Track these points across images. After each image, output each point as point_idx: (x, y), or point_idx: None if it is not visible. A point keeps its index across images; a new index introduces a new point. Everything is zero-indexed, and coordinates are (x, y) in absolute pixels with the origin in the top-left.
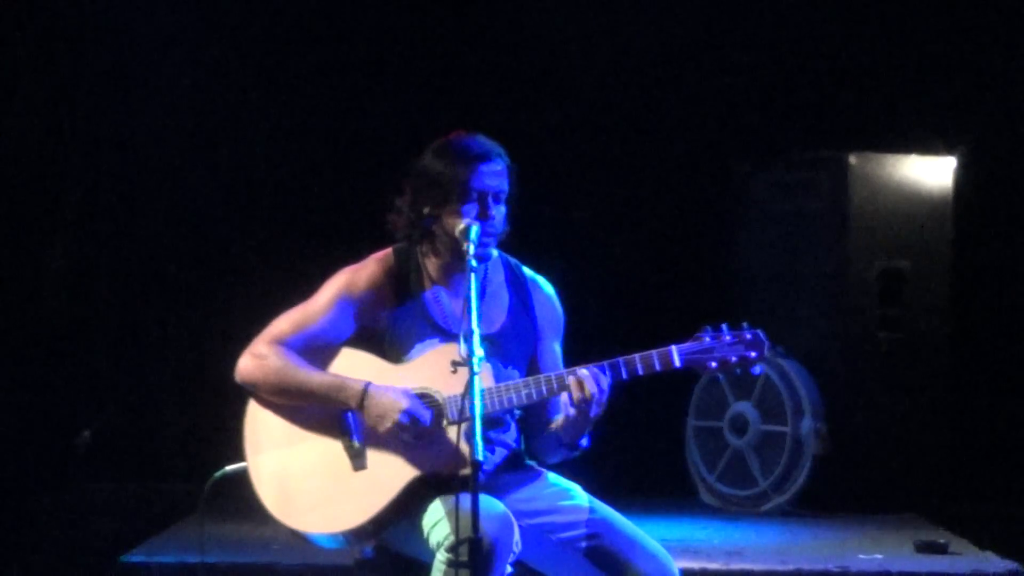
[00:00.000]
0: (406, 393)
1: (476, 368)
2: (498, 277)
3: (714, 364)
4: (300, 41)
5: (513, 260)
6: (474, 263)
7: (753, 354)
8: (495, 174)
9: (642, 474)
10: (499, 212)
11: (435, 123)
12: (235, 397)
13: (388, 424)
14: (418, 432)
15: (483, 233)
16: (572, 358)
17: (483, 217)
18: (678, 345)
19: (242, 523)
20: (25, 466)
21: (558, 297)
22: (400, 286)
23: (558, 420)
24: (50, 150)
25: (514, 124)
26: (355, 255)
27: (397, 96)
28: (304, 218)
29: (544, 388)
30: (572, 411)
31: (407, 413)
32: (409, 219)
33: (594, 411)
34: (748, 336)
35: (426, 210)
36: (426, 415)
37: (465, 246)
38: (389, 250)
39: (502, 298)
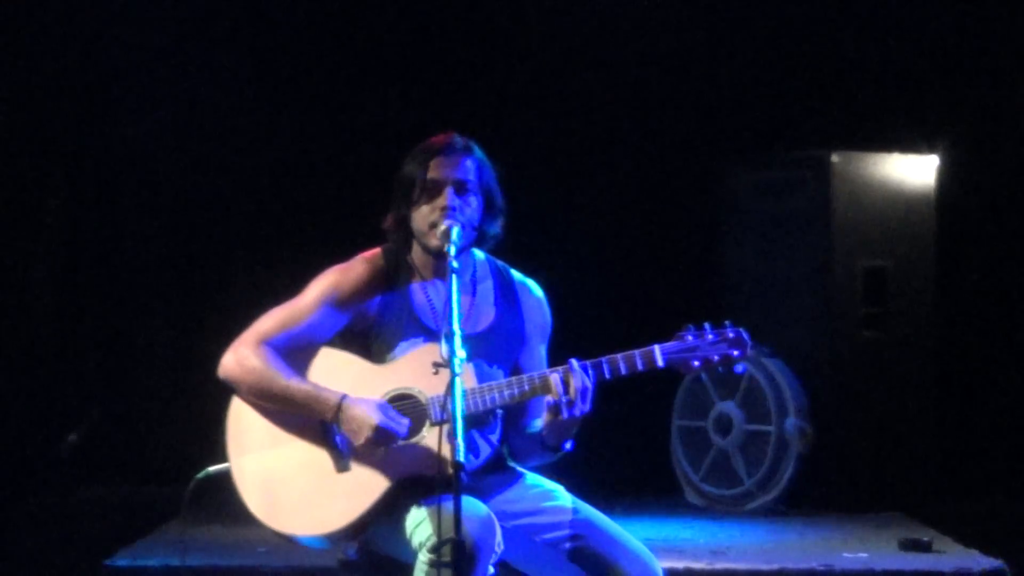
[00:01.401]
0: (380, 406)
1: (457, 369)
2: (486, 279)
3: (697, 363)
4: (289, 40)
5: (501, 263)
6: (456, 264)
7: (736, 352)
8: (452, 165)
9: (627, 474)
10: (463, 202)
11: (425, 122)
12: (221, 400)
13: (362, 440)
14: (392, 443)
15: (449, 220)
16: (558, 360)
17: (439, 206)
18: (661, 344)
19: (227, 525)
20: (11, 469)
21: (547, 300)
22: (387, 285)
23: (543, 419)
24: (35, 149)
25: (499, 126)
26: (343, 254)
27: (388, 96)
28: (291, 219)
29: (527, 386)
30: (556, 411)
31: (380, 429)
32: (392, 222)
33: (578, 411)
34: (731, 335)
35: (402, 210)
36: (401, 427)
37: (446, 247)
38: (378, 249)
39: (490, 299)
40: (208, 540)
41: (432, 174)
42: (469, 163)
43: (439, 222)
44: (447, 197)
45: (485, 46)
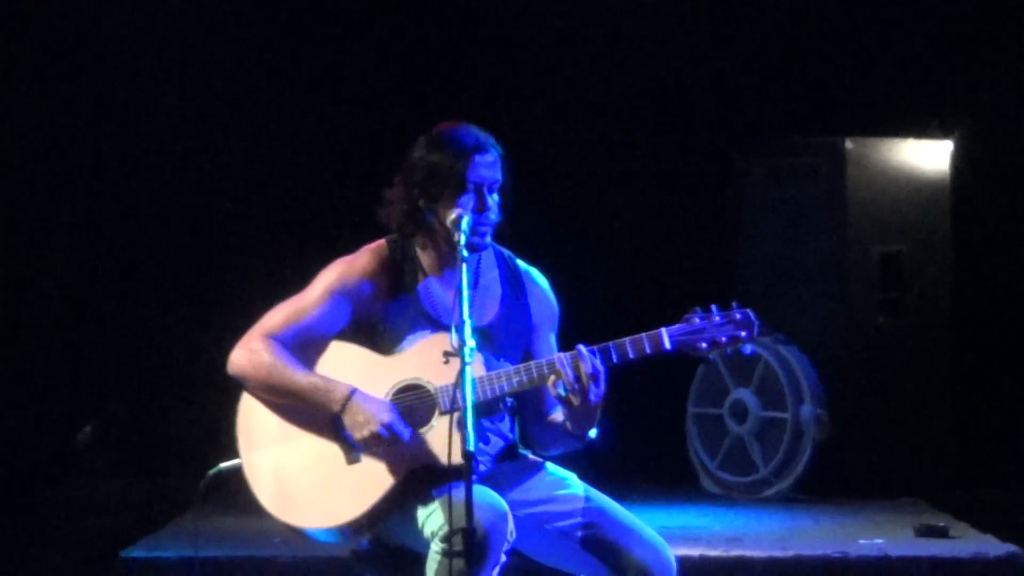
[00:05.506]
0: (391, 408)
1: (467, 358)
2: (491, 269)
3: (705, 345)
4: (294, 37)
5: (507, 252)
6: (465, 253)
7: (743, 333)
8: (490, 165)
9: (643, 462)
10: (493, 202)
11: (428, 115)
12: (236, 392)
13: (365, 433)
14: (395, 443)
15: (478, 223)
16: (569, 347)
17: (480, 210)
18: (668, 327)
19: (241, 517)
20: (27, 462)
21: (553, 288)
22: (394, 277)
23: (562, 410)
24: (51, 146)
25: (509, 115)
26: (349, 246)
27: (391, 89)
28: (300, 212)
29: (535, 373)
30: (569, 399)
31: (387, 426)
32: (403, 212)
33: (592, 396)
34: (738, 316)
35: (421, 203)
36: (406, 432)
37: (456, 236)
38: (382, 241)
39: (495, 290)
40: (222, 531)
41: (473, 174)
42: (498, 161)
43: (479, 223)
44: (486, 199)
45: (497, 36)
